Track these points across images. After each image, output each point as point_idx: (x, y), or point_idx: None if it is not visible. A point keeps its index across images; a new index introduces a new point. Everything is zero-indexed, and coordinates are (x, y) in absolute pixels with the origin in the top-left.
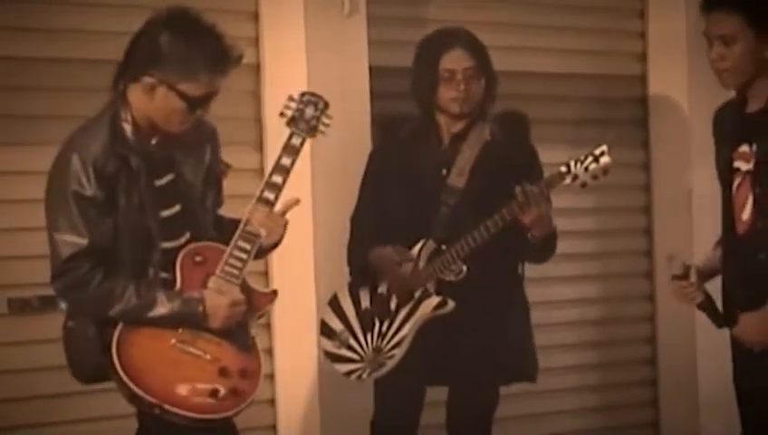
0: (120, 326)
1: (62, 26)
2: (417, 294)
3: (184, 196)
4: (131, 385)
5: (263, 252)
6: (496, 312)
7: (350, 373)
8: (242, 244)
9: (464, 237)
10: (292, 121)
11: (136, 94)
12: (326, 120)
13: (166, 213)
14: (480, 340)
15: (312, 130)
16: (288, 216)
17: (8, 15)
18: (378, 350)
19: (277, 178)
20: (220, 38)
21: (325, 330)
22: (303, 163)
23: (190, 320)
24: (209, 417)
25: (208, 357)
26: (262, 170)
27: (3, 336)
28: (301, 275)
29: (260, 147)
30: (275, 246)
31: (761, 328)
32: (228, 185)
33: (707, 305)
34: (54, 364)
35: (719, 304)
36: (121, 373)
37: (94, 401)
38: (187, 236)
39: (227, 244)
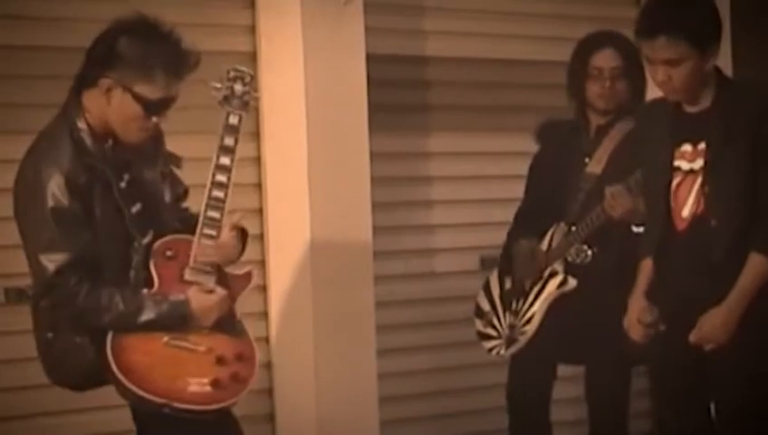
0: (110, 333)
1: (43, 14)
2: (546, 273)
3: (143, 194)
4: (135, 389)
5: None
6: (622, 292)
7: (490, 350)
8: (207, 231)
9: (582, 222)
10: (225, 101)
11: (92, 100)
12: (255, 94)
13: (132, 211)
14: (608, 319)
15: (245, 106)
16: (284, 200)
17: None
18: (512, 326)
19: (225, 160)
20: (178, 42)
21: (477, 311)
22: (300, 149)
23: (179, 322)
24: (217, 406)
25: (203, 349)
26: (259, 159)
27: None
28: (297, 263)
29: (257, 135)
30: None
31: (721, 326)
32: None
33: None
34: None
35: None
36: (122, 378)
37: (92, 391)
38: (151, 233)
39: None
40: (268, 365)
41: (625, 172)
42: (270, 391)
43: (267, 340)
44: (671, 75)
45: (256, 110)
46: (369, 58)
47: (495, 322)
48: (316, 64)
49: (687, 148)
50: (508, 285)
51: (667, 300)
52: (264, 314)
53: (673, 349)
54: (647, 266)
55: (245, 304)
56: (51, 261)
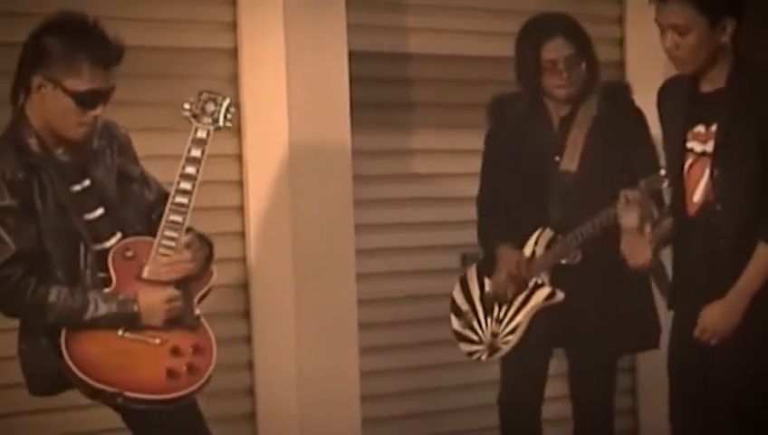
0: (64, 329)
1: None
2: (531, 283)
3: (104, 199)
4: (88, 380)
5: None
6: (611, 288)
7: (470, 354)
8: (168, 233)
9: (575, 231)
10: (194, 118)
11: (32, 106)
12: (229, 115)
13: (89, 216)
14: (596, 312)
15: (216, 122)
16: (266, 198)
17: None
18: (495, 335)
19: (190, 170)
20: (102, 33)
21: (454, 308)
22: (282, 146)
23: (127, 320)
24: (172, 396)
25: (157, 341)
26: (240, 156)
27: None
28: (279, 260)
29: (238, 132)
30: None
31: (723, 319)
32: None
33: (660, 275)
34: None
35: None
36: (76, 371)
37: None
38: (119, 235)
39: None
40: (249, 365)
41: (602, 167)
42: (251, 391)
43: (249, 339)
44: (678, 43)
45: (237, 107)
46: (352, 55)
47: (476, 325)
48: (298, 61)
49: (701, 129)
50: (488, 287)
51: (678, 289)
52: (246, 313)
53: (683, 343)
54: None
55: (226, 301)
56: None
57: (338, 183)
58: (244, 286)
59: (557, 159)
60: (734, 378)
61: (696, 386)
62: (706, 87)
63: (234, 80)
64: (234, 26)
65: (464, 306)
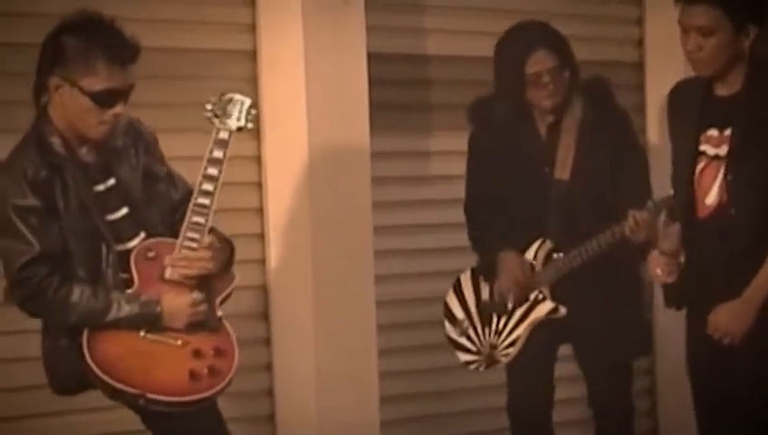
0: (86, 330)
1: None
2: (533, 296)
3: (128, 199)
4: (110, 381)
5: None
6: (609, 296)
7: (468, 364)
8: (190, 234)
9: (578, 248)
10: (216, 119)
11: (53, 106)
12: (250, 116)
13: (112, 217)
14: (596, 319)
15: (237, 122)
16: (284, 200)
17: None
18: (494, 347)
19: (212, 171)
20: (117, 31)
21: (448, 314)
22: (301, 148)
23: (149, 322)
24: (193, 398)
25: (179, 343)
26: (259, 158)
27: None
28: (298, 262)
29: (257, 134)
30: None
31: (736, 319)
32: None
33: (678, 284)
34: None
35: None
36: (97, 371)
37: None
38: (142, 236)
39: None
40: (268, 366)
41: (594, 174)
42: (270, 392)
43: (268, 341)
44: (701, 45)
45: (257, 108)
46: (371, 57)
47: (472, 334)
48: (317, 63)
49: (714, 133)
50: (485, 295)
51: (690, 291)
52: (265, 314)
53: (699, 344)
54: None
55: (245, 303)
56: (17, 254)
57: (357, 185)
58: (263, 288)
59: (546, 169)
60: (752, 378)
61: (716, 388)
62: (721, 91)
63: (253, 81)
64: (253, 28)
65: (459, 314)
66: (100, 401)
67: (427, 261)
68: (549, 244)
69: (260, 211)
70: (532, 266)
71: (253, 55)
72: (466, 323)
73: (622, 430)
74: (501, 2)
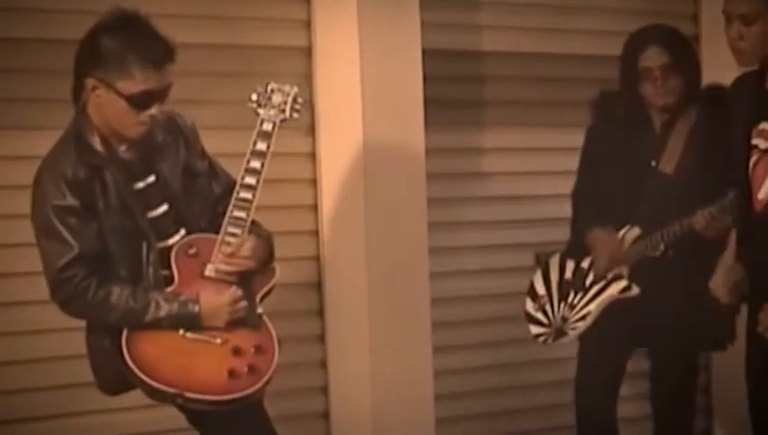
0: (125, 330)
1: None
2: (610, 275)
3: (168, 195)
4: (148, 380)
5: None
6: (692, 283)
7: (537, 336)
8: (231, 229)
9: (661, 230)
10: (261, 109)
11: (92, 106)
12: (297, 106)
13: (153, 214)
14: (676, 308)
15: (282, 113)
16: (339, 196)
17: None
18: (564, 319)
19: (255, 164)
20: (153, 34)
21: (531, 292)
22: (356, 144)
23: (188, 321)
24: (232, 397)
25: (219, 341)
26: (314, 154)
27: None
28: (352, 260)
29: (312, 130)
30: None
31: None
32: (280, 169)
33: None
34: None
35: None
36: (136, 370)
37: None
38: (183, 232)
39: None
40: (323, 363)
41: (698, 172)
42: (325, 389)
43: (322, 338)
44: (743, 34)
45: (311, 105)
46: (425, 53)
47: (548, 308)
48: (372, 59)
49: (766, 126)
50: (568, 274)
51: (748, 287)
52: (320, 311)
53: (755, 341)
54: (734, 234)
55: (299, 300)
56: (57, 255)
57: (411, 181)
58: (318, 285)
59: (653, 163)
60: None
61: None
62: None
63: (308, 78)
64: (308, 24)
65: (540, 291)
66: (143, 400)
67: (481, 258)
68: (636, 230)
69: (314, 208)
70: (620, 246)
71: (308, 52)
72: (545, 299)
73: (683, 430)
74: None
